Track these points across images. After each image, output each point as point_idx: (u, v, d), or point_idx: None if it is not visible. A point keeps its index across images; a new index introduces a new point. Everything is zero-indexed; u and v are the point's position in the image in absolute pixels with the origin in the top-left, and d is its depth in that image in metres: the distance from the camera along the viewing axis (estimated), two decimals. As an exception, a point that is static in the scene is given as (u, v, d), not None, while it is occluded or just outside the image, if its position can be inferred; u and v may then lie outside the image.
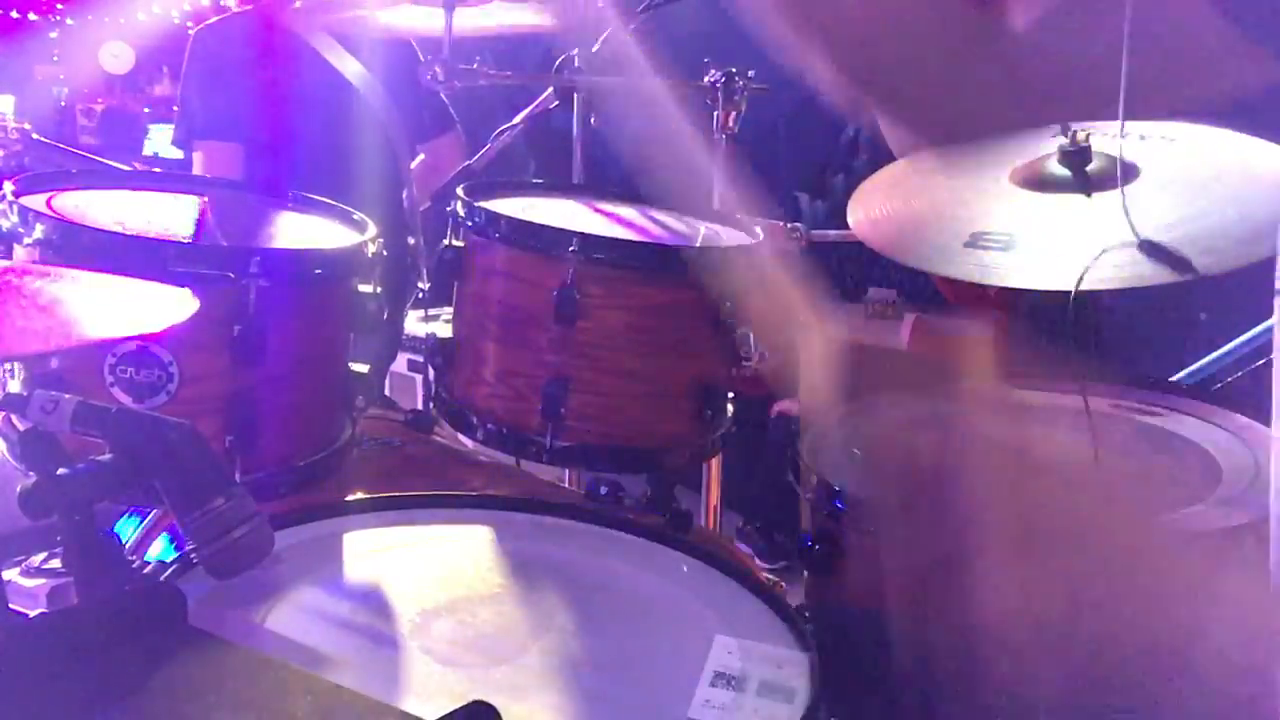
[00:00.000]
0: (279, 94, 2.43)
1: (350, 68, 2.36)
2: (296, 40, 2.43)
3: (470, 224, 1.51)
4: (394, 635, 1.05)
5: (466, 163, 2.47)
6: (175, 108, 2.61)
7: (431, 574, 1.18)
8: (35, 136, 2.98)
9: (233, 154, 2.43)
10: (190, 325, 0.95)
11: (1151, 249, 1.21)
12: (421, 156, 2.67)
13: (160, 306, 0.98)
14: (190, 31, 2.58)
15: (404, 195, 2.31)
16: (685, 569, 1.24)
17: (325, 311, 1.43)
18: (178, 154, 2.69)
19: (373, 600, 1.12)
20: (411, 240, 2.17)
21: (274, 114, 2.41)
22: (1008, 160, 1.56)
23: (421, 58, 2.60)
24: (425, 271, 1.57)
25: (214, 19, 2.59)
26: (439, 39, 2.07)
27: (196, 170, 2.48)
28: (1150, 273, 1.24)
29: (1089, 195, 1.45)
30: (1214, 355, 1.94)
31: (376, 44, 2.57)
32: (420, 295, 1.59)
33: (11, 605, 0.91)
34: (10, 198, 1.31)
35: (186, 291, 0.99)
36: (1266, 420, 1.53)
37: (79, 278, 1.02)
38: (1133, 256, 1.22)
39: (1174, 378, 1.89)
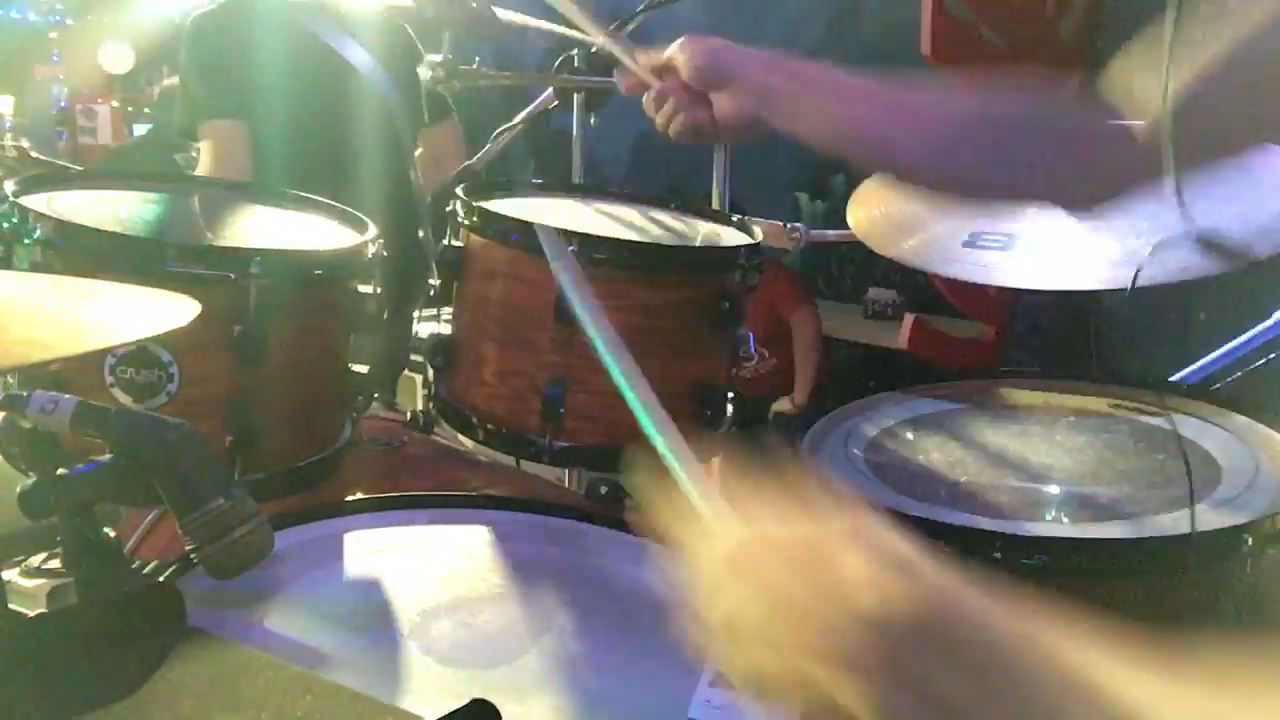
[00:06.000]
0: (281, 74, 2.40)
1: (351, 51, 2.34)
2: (295, 24, 2.41)
3: (470, 224, 1.51)
4: (394, 635, 1.05)
5: (467, 162, 2.46)
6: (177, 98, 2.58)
7: (431, 574, 1.18)
8: (34, 155, 2.99)
9: (239, 132, 2.40)
10: (190, 325, 0.95)
11: (1206, 243, 1.21)
12: (420, 150, 2.63)
13: (162, 310, 0.98)
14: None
15: (411, 184, 2.29)
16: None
17: (325, 311, 1.43)
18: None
19: (373, 600, 1.12)
20: (421, 233, 2.15)
21: (277, 93, 2.39)
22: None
23: (419, 45, 2.58)
24: (436, 267, 1.56)
25: (209, 7, 2.54)
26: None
27: (205, 153, 2.46)
28: (1199, 265, 1.24)
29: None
30: (1214, 355, 1.94)
31: (374, 28, 2.55)
32: (433, 293, 1.57)
33: (11, 605, 0.91)
34: (10, 197, 1.31)
35: (189, 295, 0.99)
36: (1267, 420, 1.54)
37: (80, 284, 1.02)
38: (1183, 252, 1.22)
39: (1174, 378, 1.89)
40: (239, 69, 2.38)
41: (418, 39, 2.62)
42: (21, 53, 7.89)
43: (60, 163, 3.57)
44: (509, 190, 1.70)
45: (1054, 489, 1.42)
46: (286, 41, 2.42)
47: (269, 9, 2.47)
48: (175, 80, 5.33)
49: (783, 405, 4.24)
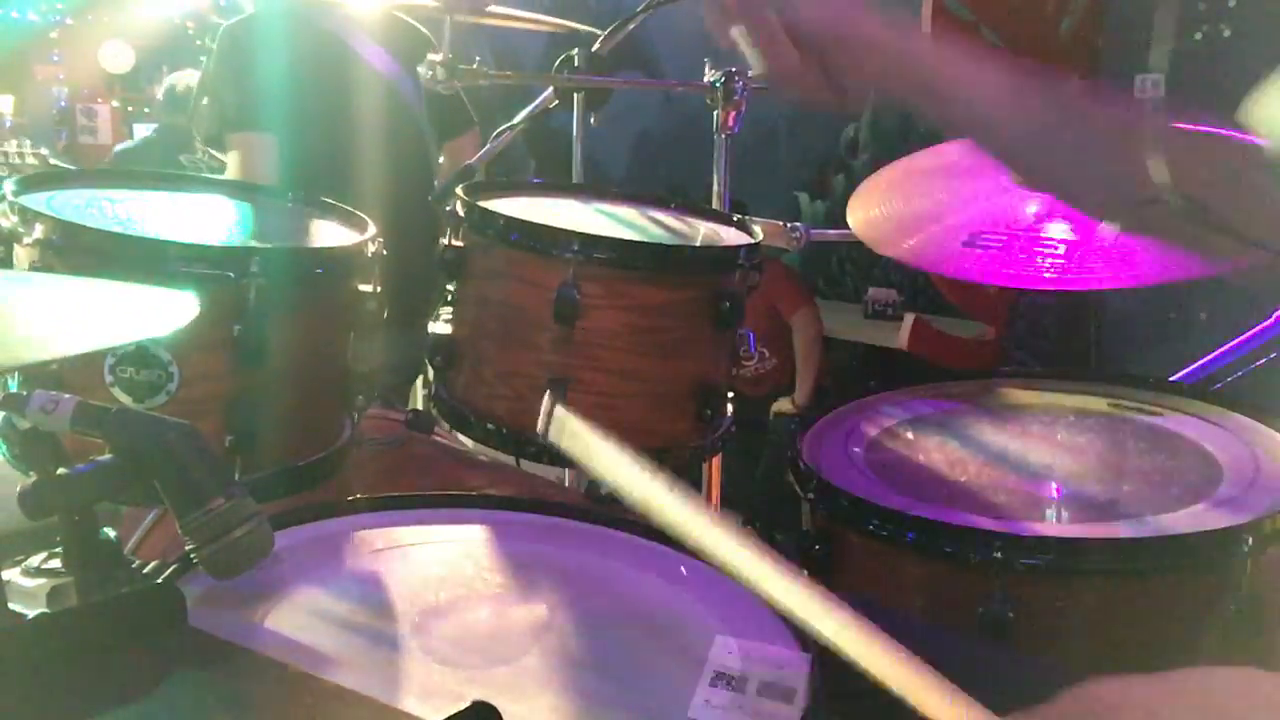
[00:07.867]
0: (312, 86, 2.41)
1: (382, 61, 2.34)
2: (326, 33, 2.41)
3: (470, 224, 1.51)
4: (394, 635, 1.05)
5: (467, 162, 2.47)
6: (204, 103, 2.58)
7: (431, 574, 1.18)
8: (53, 162, 3.01)
9: (267, 145, 2.41)
10: (190, 325, 0.95)
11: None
12: (444, 159, 2.65)
13: (161, 309, 0.98)
14: (189, 28, 2.58)
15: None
16: (685, 569, 1.24)
17: (325, 311, 1.43)
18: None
19: (373, 600, 1.12)
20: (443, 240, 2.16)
21: (308, 105, 2.40)
22: (1008, 160, 1.56)
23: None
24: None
25: (243, 15, 2.56)
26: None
27: (232, 164, 2.46)
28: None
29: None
30: (1214, 355, 1.94)
31: (401, 38, 2.56)
32: (450, 299, 1.58)
33: (11, 605, 0.91)
34: (10, 197, 1.31)
35: (189, 294, 0.99)
36: (1267, 420, 1.54)
37: (80, 282, 1.02)
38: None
39: (1174, 378, 1.89)
40: (269, 80, 2.39)
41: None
42: (21, 53, 7.89)
43: (81, 169, 3.58)
44: (509, 190, 1.70)
45: (1054, 489, 1.42)
46: (317, 52, 2.42)
47: (300, 19, 2.47)
48: (178, 80, 5.35)
49: (783, 405, 4.24)
